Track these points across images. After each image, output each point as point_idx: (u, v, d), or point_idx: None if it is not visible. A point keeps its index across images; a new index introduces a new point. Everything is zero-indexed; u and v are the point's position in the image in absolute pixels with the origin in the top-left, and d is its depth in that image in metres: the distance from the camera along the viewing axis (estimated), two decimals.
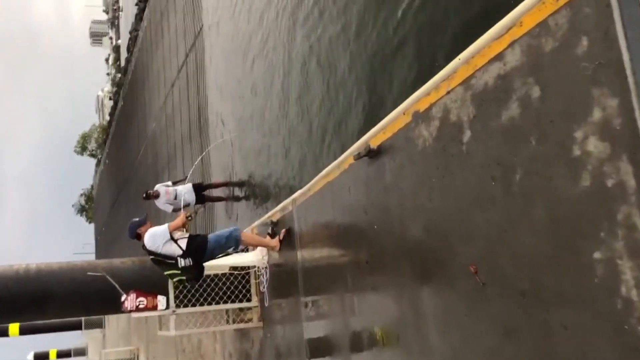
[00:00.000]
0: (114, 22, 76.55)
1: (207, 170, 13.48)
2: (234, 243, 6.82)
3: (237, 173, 11.44)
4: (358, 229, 4.40)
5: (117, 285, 7.06)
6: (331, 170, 4.94)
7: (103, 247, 48.40)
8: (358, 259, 4.39)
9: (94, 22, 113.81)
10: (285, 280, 6.53)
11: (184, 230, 7.11)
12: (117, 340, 23.47)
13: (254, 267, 7.36)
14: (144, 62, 26.65)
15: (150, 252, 6.59)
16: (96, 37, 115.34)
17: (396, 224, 3.76)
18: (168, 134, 19.09)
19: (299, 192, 6.01)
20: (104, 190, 48.93)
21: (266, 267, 7.14)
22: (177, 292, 7.25)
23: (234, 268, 7.46)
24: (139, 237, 6.75)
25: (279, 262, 6.79)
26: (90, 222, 73.62)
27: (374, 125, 4.09)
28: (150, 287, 7.36)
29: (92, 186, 70.84)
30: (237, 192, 11.46)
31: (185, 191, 10.96)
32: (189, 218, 7.01)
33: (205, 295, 7.35)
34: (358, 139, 4.50)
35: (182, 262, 6.48)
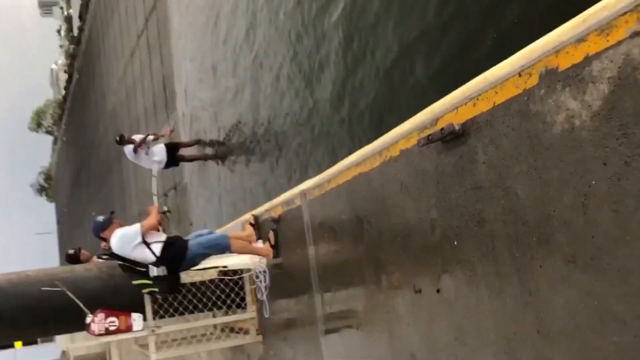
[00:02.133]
0: None
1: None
2: (220, 252, 5.58)
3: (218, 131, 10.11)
4: (417, 243, 3.12)
5: (80, 303, 5.67)
6: (365, 158, 3.62)
7: (66, 228, 46.23)
8: (423, 285, 3.11)
9: None
10: (293, 288, 5.26)
11: (160, 229, 5.77)
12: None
13: (249, 270, 6.05)
14: (98, 30, 24.50)
15: (118, 257, 5.33)
16: (45, 7, 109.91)
17: (497, 241, 2.49)
18: (130, 108, 17.37)
19: (311, 182, 4.68)
20: (64, 169, 46.50)
21: (265, 271, 5.84)
22: (155, 306, 5.91)
23: (224, 272, 6.13)
24: (105, 239, 5.46)
25: (282, 265, 5.50)
26: (51, 202, 70.80)
27: (451, 90, 2.78)
28: (122, 301, 6.00)
29: (50, 164, 67.86)
30: (213, 150, 10.27)
31: (158, 152, 10.03)
32: (166, 213, 5.70)
33: (190, 307, 6.03)
34: (414, 111, 3.18)
35: (154, 271, 5.32)
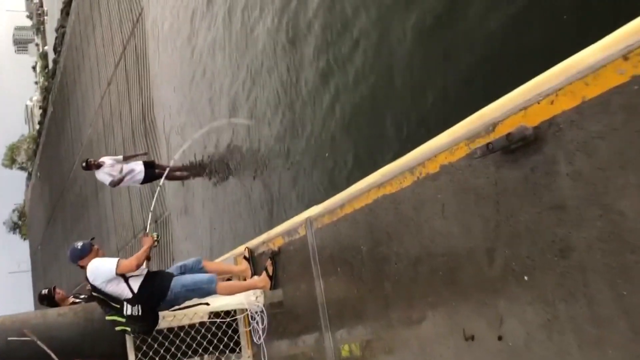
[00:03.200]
0: (39, 28, 71.79)
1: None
2: (205, 294, 5.02)
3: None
4: (468, 278, 2.55)
5: (53, 355, 4.97)
6: (391, 177, 3.07)
7: (40, 267, 44.67)
8: (477, 330, 2.53)
9: (17, 28, 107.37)
10: (296, 329, 4.64)
11: (144, 265, 5.16)
12: None
13: (244, 311, 5.40)
14: (74, 61, 23.84)
15: (92, 288, 4.83)
16: (21, 44, 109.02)
17: (592, 275, 1.93)
18: (107, 140, 16.68)
19: (318, 208, 4.10)
20: (38, 205, 45.15)
21: (262, 311, 5.21)
22: (139, 354, 5.22)
23: (215, 314, 5.47)
24: (83, 267, 4.95)
25: (283, 304, 4.88)
26: (25, 239, 68.82)
27: (510, 88, 2.26)
28: (101, 349, 5.31)
29: (24, 201, 66.17)
30: (196, 172, 9.66)
31: (134, 166, 9.42)
32: (155, 241, 5.18)
33: (178, 353, 5.34)
34: (455, 117, 2.65)
35: (127, 310, 4.76)
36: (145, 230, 5.60)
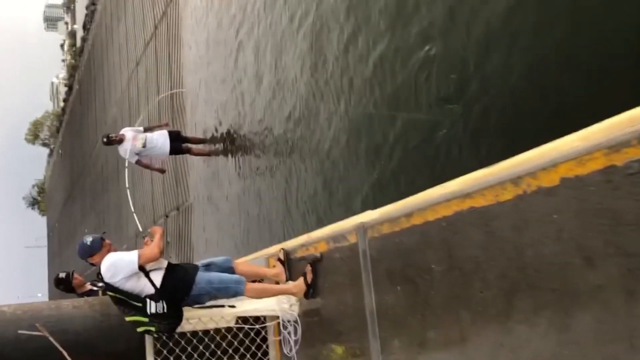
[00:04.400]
0: (69, 7, 71.98)
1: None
2: (232, 295, 4.54)
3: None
4: (600, 320, 2.02)
5: (65, 353, 4.52)
6: (483, 186, 2.53)
7: (56, 245, 44.78)
8: None
9: (48, 5, 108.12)
10: (336, 343, 4.14)
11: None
12: None
13: (275, 318, 4.91)
14: (102, 40, 23.54)
15: (108, 287, 4.34)
16: (51, 21, 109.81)
17: None
18: (132, 120, 16.29)
19: (376, 214, 3.57)
20: (57, 183, 45.23)
21: (296, 321, 4.71)
22: (159, 358, 4.75)
23: (244, 319, 4.99)
24: (94, 264, 4.51)
25: (320, 312, 4.39)
26: (43, 215, 69.33)
27: None
28: (117, 348, 4.86)
29: (44, 177, 66.61)
30: (229, 146, 8.98)
31: (158, 137, 8.66)
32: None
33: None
34: (581, 119, 2.11)
35: (152, 307, 4.30)
36: (144, 235, 5.08)
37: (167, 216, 12.33)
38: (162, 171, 9.87)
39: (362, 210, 3.84)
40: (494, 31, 3.97)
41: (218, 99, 9.51)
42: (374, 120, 4.55)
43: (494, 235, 2.49)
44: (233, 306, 4.81)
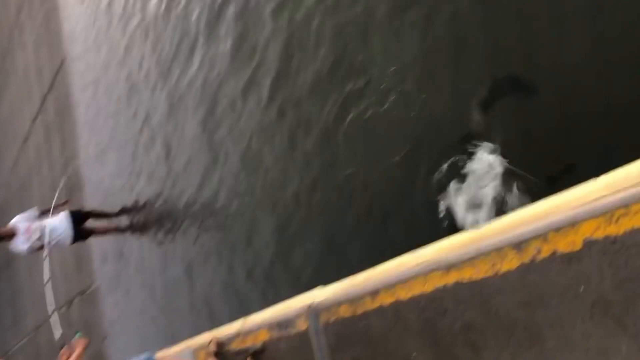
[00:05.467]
0: None
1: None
2: None
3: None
4: None
5: None
6: (475, 254, 2.07)
7: None
8: None
9: None
10: None
11: None
12: None
13: None
14: None
15: None
16: None
17: None
18: (23, 201, 14.85)
19: (328, 292, 3.01)
20: None
21: None
22: None
23: None
24: None
25: None
26: None
27: None
28: None
29: None
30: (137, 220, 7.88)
31: (58, 223, 7.28)
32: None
33: None
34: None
35: None
36: (61, 344, 4.10)
37: (68, 305, 11.05)
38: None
39: (311, 287, 3.27)
40: None
41: (119, 167, 8.68)
42: (318, 182, 3.99)
43: (494, 314, 2.01)
44: None
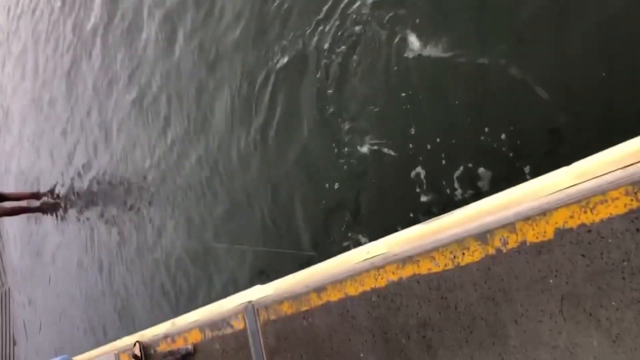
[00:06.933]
0: None
1: None
2: None
3: None
4: None
5: None
6: (432, 246, 1.93)
7: None
8: None
9: None
10: None
11: None
12: None
13: None
14: None
15: None
16: None
17: None
18: None
19: (269, 289, 2.81)
20: None
21: None
22: None
23: None
24: None
25: None
26: None
27: None
28: None
29: None
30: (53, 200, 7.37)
31: None
32: None
33: None
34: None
35: None
36: None
37: None
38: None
39: (249, 285, 3.05)
40: None
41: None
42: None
43: (451, 311, 1.88)
44: None
